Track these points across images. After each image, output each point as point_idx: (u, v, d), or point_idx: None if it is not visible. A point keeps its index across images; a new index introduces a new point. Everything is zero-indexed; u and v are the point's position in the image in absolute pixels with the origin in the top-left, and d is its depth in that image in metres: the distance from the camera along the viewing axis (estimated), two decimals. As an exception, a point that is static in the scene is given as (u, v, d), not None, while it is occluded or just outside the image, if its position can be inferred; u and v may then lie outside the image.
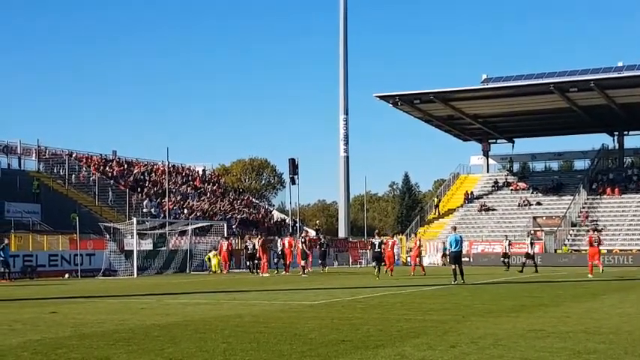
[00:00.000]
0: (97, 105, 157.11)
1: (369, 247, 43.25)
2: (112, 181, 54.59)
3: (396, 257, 38.29)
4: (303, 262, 37.35)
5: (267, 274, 36.34)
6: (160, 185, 57.85)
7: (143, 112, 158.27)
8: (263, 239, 39.34)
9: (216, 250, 42.30)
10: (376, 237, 34.90)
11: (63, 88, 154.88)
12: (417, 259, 35.73)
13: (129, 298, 20.20)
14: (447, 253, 31.50)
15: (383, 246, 33.37)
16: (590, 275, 30.95)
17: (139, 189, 55.89)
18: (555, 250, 53.64)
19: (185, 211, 55.33)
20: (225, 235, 44.39)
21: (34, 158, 55.01)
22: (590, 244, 32.97)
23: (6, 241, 35.13)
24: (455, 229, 29.74)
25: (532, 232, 49.36)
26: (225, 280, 31.37)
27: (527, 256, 38.04)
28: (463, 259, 28.68)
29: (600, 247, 33.76)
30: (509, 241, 41.11)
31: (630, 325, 12.34)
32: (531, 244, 38.90)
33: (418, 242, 37.61)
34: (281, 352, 9.75)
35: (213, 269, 41.22)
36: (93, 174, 54.57)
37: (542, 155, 72.74)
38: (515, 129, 69.45)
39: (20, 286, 29.65)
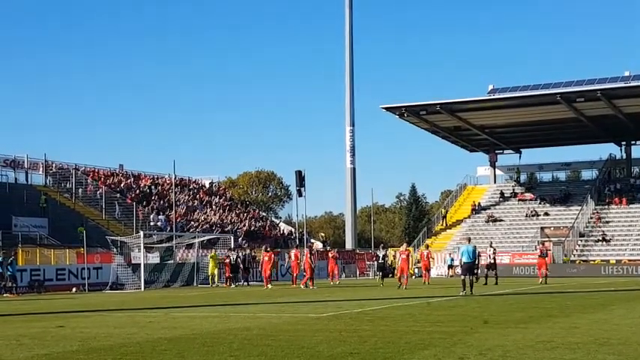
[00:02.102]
0: (104, 118, 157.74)
1: (375, 259, 45.23)
2: (118, 195, 54.72)
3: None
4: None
5: (315, 287, 34.49)
6: (166, 198, 57.96)
7: (150, 125, 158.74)
8: (309, 250, 38.51)
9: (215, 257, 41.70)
10: (380, 249, 39.14)
11: (70, 101, 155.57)
12: (407, 270, 34.90)
13: (136, 312, 20.18)
14: (459, 263, 31.48)
15: (386, 258, 36.39)
16: (541, 280, 36.25)
17: (145, 202, 55.99)
18: (567, 260, 53.50)
19: (192, 224, 55.38)
20: (230, 248, 43.94)
21: (41, 172, 55.23)
22: (540, 255, 38.59)
23: (13, 256, 35.20)
24: (469, 240, 29.38)
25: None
26: (233, 293, 31.33)
27: (489, 266, 37.84)
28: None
29: (547, 259, 39.26)
30: (479, 253, 40.50)
31: (639, 336, 12.27)
32: (494, 253, 38.63)
33: (412, 253, 37.66)
34: (289, 365, 9.73)
35: (209, 273, 40.71)
36: (100, 187, 54.73)
37: (550, 165, 72.64)
38: (522, 139, 69.41)
39: (27, 300, 29.65)
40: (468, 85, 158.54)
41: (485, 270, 37.37)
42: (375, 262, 44.54)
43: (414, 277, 38.61)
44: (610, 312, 17.56)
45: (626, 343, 11.40)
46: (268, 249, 39.60)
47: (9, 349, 11.98)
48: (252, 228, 60.60)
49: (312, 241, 63.32)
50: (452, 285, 34.48)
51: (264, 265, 37.66)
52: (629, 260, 52.01)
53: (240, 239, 54.34)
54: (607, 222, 58.87)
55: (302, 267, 37.69)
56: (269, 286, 36.04)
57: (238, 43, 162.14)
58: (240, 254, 42.16)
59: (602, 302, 21.18)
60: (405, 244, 37.38)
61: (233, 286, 39.54)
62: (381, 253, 38.91)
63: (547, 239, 57.08)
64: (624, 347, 10.91)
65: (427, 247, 44.08)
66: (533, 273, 47.91)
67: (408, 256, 34.16)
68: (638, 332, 12.91)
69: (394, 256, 46.76)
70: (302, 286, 34.94)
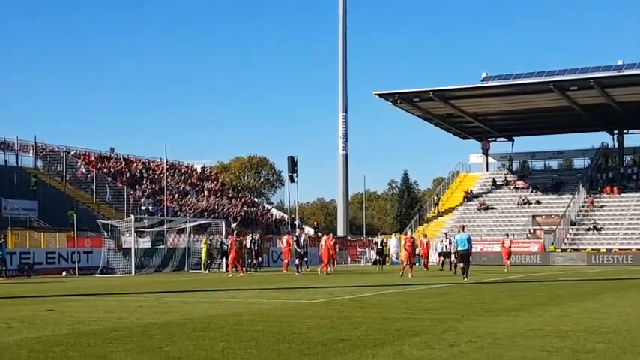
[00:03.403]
0: (95, 102, 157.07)
1: (373, 246, 47.40)
2: (109, 179, 54.52)
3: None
4: (297, 261, 36.35)
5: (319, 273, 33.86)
6: (158, 183, 57.78)
7: (142, 109, 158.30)
8: (330, 237, 37.21)
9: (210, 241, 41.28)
10: (378, 237, 43.16)
11: (61, 84, 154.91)
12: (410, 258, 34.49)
13: (127, 296, 20.14)
14: (454, 251, 32.48)
15: (384, 245, 42.31)
16: (506, 270, 36.21)
17: (137, 186, 55.82)
18: (555, 249, 53.63)
19: (183, 208, 55.25)
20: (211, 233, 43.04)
21: (31, 155, 54.93)
22: (503, 246, 40.38)
23: (3, 239, 35.06)
24: (463, 228, 29.83)
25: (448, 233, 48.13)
26: (224, 279, 31.30)
27: (445, 254, 38.94)
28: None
29: (511, 249, 40.64)
30: (450, 240, 40.35)
31: (629, 325, 12.30)
32: (450, 243, 37.74)
33: (415, 240, 37.58)
34: (279, 350, 9.70)
35: (203, 259, 40.35)
36: (91, 171, 54.52)
37: (542, 154, 72.68)
38: (515, 127, 69.44)
39: (17, 283, 29.58)
40: (461, 72, 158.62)
41: (441, 258, 39.49)
42: (374, 249, 46.22)
43: (417, 264, 38.51)
44: (600, 300, 17.61)
45: (616, 331, 11.43)
46: (235, 233, 38.07)
47: (-2, 332, 11.93)
48: (245, 214, 60.50)
49: (304, 227, 63.31)
50: (444, 272, 34.60)
51: (230, 250, 36.01)
52: (620, 249, 52.19)
53: (235, 225, 54.19)
54: (598, 210, 59.02)
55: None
56: (233, 273, 34.74)
57: (230, 30, 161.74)
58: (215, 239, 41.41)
59: (592, 291, 21.25)
60: (409, 232, 37.75)
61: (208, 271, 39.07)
62: (379, 240, 43.27)
63: (538, 227, 57.24)
64: (614, 335, 10.93)
65: (426, 235, 44.40)
66: (523, 261, 48.17)
67: (413, 243, 34.03)
68: (628, 321, 12.95)
69: (384, 242, 46.60)
70: (320, 272, 34.05)
